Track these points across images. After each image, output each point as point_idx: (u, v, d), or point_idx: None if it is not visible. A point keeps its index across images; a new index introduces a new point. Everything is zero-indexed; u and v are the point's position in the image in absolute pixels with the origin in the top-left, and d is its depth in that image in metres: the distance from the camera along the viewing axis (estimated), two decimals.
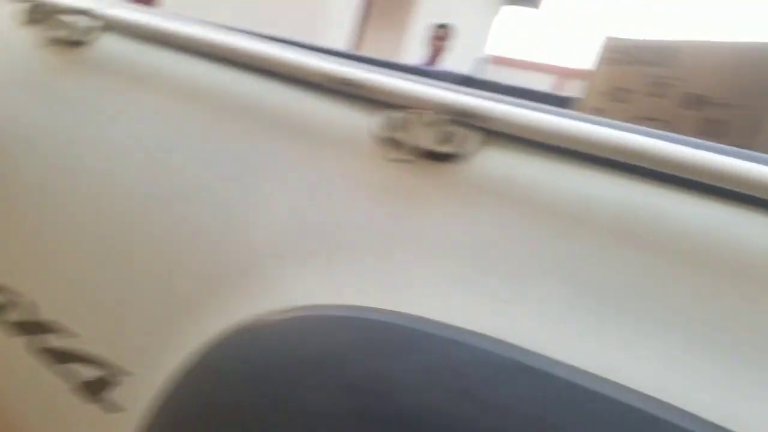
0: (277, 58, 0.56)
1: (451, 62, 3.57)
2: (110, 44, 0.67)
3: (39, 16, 0.72)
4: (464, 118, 0.47)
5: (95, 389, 0.60)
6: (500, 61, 7.40)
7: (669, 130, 0.47)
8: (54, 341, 0.63)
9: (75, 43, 0.68)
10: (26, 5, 0.73)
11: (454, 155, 0.46)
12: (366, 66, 0.54)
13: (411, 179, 0.47)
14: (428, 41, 3.74)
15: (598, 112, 0.83)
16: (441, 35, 3.72)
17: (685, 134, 0.50)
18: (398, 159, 0.48)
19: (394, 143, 0.48)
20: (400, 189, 0.47)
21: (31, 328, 0.65)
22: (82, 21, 0.68)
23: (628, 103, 0.81)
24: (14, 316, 0.66)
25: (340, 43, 4.50)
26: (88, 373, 0.60)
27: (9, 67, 0.71)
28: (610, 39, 0.85)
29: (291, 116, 0.54)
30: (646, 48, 0.79)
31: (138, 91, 0.62)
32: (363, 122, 0.50)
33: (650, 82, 0.78)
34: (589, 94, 0.84)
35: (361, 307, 0.44)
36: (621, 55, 0.83)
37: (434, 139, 0.47)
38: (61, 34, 0.69)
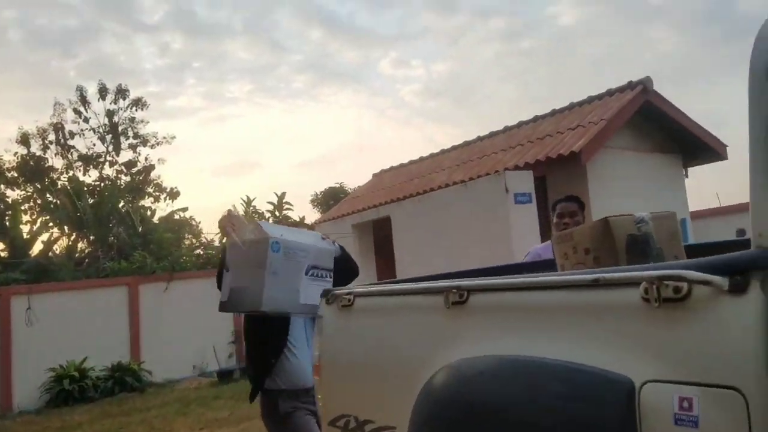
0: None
1: None
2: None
3: None
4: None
5: None
6: (702, 215, 7.64)
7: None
8: None
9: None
10: None
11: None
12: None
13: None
14: (555, 225, 3.26)
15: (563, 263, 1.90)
16: (565, 212, 3.19)
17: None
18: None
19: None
20: None
21: None
22: None
23: (571, 258, 1.87)
24: None
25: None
26: None
27: None
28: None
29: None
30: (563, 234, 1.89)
31: None
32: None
33: (572, 246, 1.85)
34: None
35: None
36: (564, 237, 1.92)
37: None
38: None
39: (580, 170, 6.68)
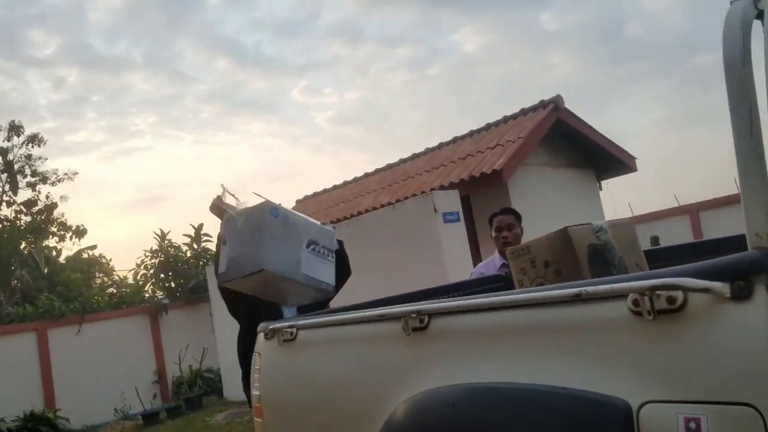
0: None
1: None
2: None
3: None
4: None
5: None
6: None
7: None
8: None
9: None
10: None
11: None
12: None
13: None
14: (494, 240, 3.21)
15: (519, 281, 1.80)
16: (503, 225, 3.15)
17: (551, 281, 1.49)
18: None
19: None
20: None
21: None
22: None
23: (529, 273, 1.77)
24: None
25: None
26: None
27: None
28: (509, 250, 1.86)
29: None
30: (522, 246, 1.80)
31: None
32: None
33: (529, 259, 1.76)
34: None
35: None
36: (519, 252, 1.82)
37: None
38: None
39: (502, 188, 6.82)
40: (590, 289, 1.17)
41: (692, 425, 1.00)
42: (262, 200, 2.42)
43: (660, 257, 2.04)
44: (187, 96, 27.14)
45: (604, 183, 8.48)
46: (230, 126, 29.21)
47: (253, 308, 2.75)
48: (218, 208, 2.48)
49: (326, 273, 2.47)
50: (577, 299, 1.19)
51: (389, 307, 1.77)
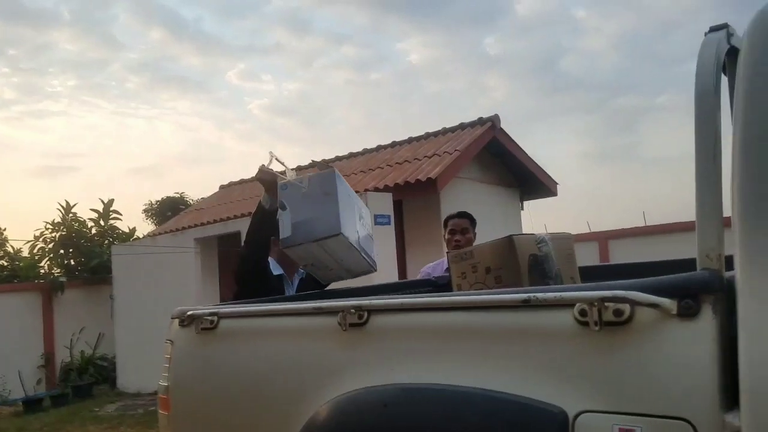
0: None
1: None
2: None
3: None
4: None
5: None
6: None
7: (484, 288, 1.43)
8: None
9: None
10: None
11: None
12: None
13: None
14: (446, 242, 3.26)
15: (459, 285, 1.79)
16: (457, 228, 3.21)
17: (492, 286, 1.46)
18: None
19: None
20: None
21: None
22: None
23: (469, 278, 1.77)
24: None
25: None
26: None
27: None
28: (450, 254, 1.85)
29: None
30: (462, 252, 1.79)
31: None
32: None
33: (471, 264, 1.75)
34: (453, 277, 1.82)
35: None
36: (460, 257, 1.82)
37: None
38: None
39: (435, 196, 6.91)
40: (540, 295, 1.17)
41: None
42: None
43: (589, 274, 2.11)
44: (114, 63, 25.40)
45: (526, 203, 8.83)
46: (156, 100, 27.70)
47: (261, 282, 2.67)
48: (270, 173, 2.41)
49: (373, 249, 2.49)
50: (526, 305, 1.19)
51: (326, 300, 1.70)
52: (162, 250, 8.04)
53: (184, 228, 8.92)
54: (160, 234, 9.38)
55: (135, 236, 10.69)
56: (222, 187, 11.72)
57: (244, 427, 1.77)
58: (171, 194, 17.25)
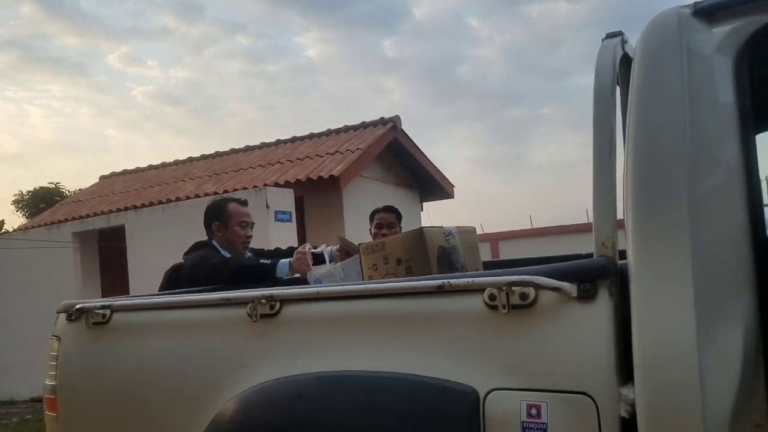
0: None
1: None
2: None
3: None
4: None
5: None
6: None
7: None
8: None
9: None
10: None
11: None
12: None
13: None
14: (373, 236, 3.16)
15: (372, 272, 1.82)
16: (384, 222, 3.17)
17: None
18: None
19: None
20: None
21: None
22: None
23: (381, 269, 1.80)
24: None
25: None
26: None
27: None
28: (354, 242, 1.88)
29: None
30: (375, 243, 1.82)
31: None
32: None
33: (383, 256, 1.79)
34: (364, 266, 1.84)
35: None
36: (371, 248, 1.84)
37: None
38: None
39: (337, 194, 6.92)
40: (453, 281, 1.22)
41: (534, 411, 1.10)
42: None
43: (490, 268, 2.23)
44: None
45: (425, 204, 9.11)
46: (26, 82, 25.08)
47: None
48: (306, 266, 2.49)
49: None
50: (440, 290, 1.23)
51: (235, 291, 1.64)
52: (36, 244, 7.31)
53: (59, 221, 8.18)
54: (33, 227, 8.51)
55: (4, 230, 9.62)
56: (103, 178, 10.90)
57: (142, 429, 1.66)
58: (45, 184, 15.74)
